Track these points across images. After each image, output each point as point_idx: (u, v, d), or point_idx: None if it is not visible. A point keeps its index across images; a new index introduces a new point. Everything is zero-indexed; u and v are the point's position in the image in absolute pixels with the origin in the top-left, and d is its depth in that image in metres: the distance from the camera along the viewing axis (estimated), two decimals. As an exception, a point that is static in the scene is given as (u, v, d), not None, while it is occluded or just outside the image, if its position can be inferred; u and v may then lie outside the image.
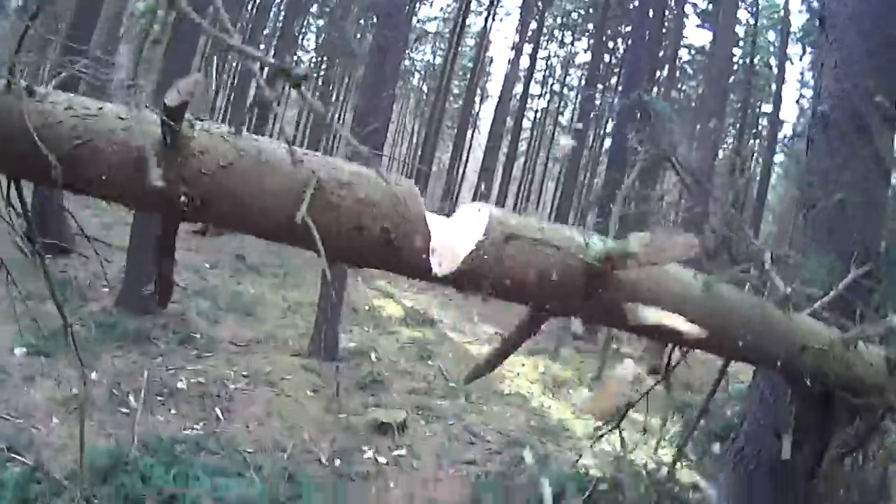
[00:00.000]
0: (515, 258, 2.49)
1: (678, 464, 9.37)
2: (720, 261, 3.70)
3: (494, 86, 57.25)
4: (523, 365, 16.73)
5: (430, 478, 9.93)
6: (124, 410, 10.25)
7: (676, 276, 3.03)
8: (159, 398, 10.88)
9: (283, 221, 2.16)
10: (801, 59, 39.55)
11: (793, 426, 4.54)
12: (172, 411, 10.63)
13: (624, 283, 2.70)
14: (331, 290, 13.74)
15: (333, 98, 50.89)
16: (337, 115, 47.85)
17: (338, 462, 9.85)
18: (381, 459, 10.24)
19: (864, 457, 5.67)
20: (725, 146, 38.60)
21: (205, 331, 14.23)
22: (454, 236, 2.40)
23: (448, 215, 2.55)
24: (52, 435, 8.93)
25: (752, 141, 41.82)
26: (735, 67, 37.36)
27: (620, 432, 6.03)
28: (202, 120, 2.22)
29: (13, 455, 7.83)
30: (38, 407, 9.65)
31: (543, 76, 55.14)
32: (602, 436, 5.75)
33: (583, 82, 47.25)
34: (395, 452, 10.56)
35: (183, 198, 2.13)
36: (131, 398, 10.54)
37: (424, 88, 61.03)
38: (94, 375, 10.92)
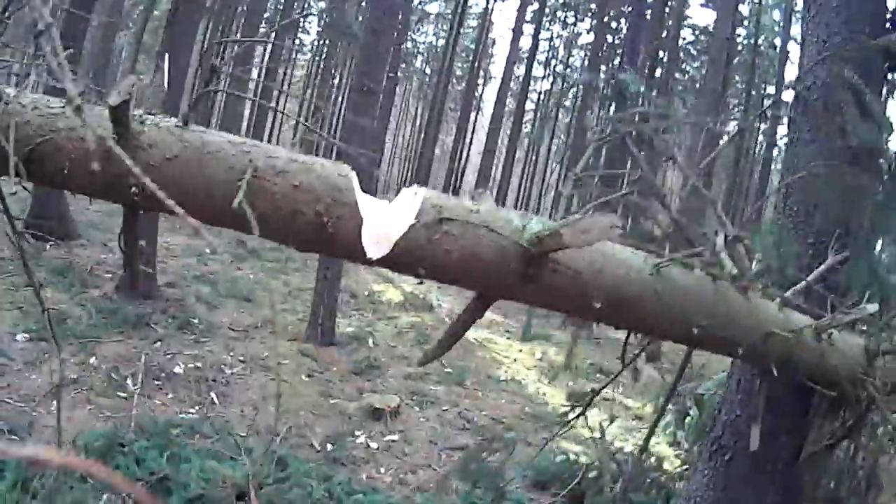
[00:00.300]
0: (449, 241, 2.56)
1: (677, 455, 9.59)
2: (675, 242, 3.71)
3: (497, 68, 57.31)
4: (520, 351, 16.87)
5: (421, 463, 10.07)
6: (122, 394, 10.39)
7: (623, 259, 3.06)
8: (157, 382, 11.02)
9: (225, 208, 2.30)
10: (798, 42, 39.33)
11: (764, 416, 4.56)
12: (169, 395, 10.77)
13: (564, 267, 2.78)
14: (327, 276, 13.90)
15: (336, 80, 50.86)
16: (340, 98, 47.81)
17: (330, 447, 9.96)
18: (373, 445, 10.38)
19: (854, 449, 5.75)
20: (729, 128, 38.45)
21: (203, 316, 14.37)
22: (389, 220, 2.50)
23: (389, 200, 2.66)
24: (51, 418, 9.04)
25: (756, 123, 41.69)
26: (739, 48, 37.29)
27: (601, 423, 6.09)
28: (153, 115, 2.37)
29: (13, 437, 8.00)
30: (39, 391, 9.69)
31: (546, 57, 55.06)
32: (569, 422, 5.77)
33: (586, 63, 47.30)
34: (388, 438, 10.69)
35: (133, 188, 2.28)
36: (129, 382, 10.69)
37: (427, 71, 61.02)
38: (93, 360, 11.16)
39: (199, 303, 15.17)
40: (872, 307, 4.19)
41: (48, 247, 16.06)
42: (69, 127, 2.31)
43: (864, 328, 4.51)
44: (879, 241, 4.66)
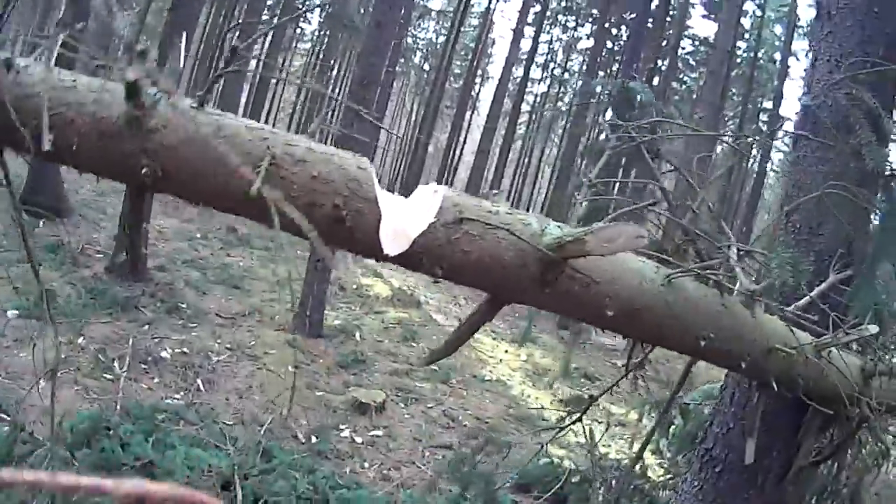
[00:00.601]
0: (468, 242, 2.51)
1: (660, 464, 9.57)
2: (686, 255, 3.67)
3: (496, 68, 57.22)
4: (506, 352, 16.84)
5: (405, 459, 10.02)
6: (109, 376, 10.35)
7: (636, 269, 3.03)
8: (143, 366, 10.98)
9: (239, 195, 2.22)
10: (806, 56, 39.34)
11: (758, 430, 4.53)
12: (155, 380, 10.73)
13: (581, 274, 2.73)
14: (318, 267, 13.83)
15: (335, 71, 50.77)
16: (338, 90, 47.70)
17: (314, 439, 9.92)
18: (358, 439, 10.33)
19: (838, 467, 5.73)
20: (724, 139, 38.47)
21: (192, 301, 14.30)
22: (407, 217, 2.43)
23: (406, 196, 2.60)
24: (39, 397, 8.98)
25: (749, 138, 41.71)
26: (739, 61, 37.30)
27: (590, 428, 6.03)
28: (170, 94, 2.29)
29: (1, 415, 7.92)
30: (28, 369, 9.49)
31: (545, 60, 54.96)
32: (565, 427, 5.72)
33: (584, 68, 47.20)
34: (372, 433, 10.65)
35: (145, 169, 2.20)
36: (116, 365, 10.65)
37: (426, 67, 60.90)
38: (81, 340, 11.13)
39: (188, 288, 15.10)
40: (873, 328, 4.17)
41: (41, 223, 15.98)
42: (79, 102, 2.23)
43: (861, 349, 4.49)
44: (882, 264, 4.64)
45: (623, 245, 2.45)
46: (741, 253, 3.80)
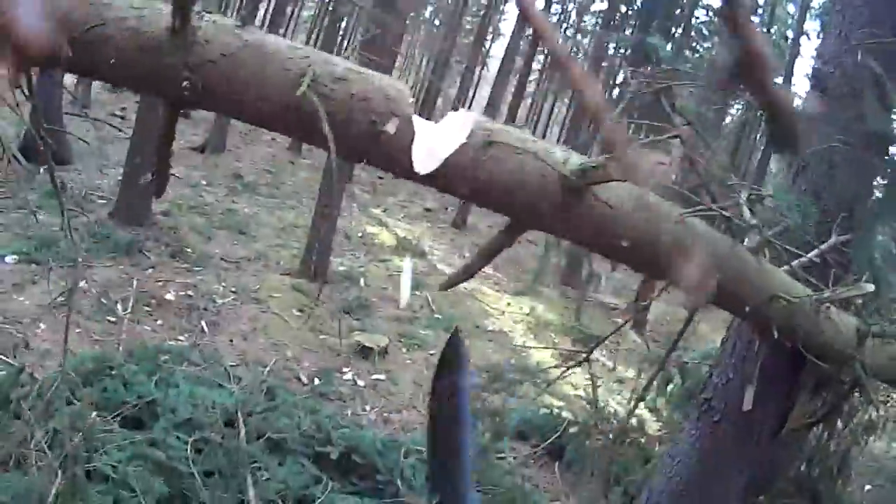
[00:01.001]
0: (495, 164, 2.61)
1: (656, 420, 9.69)
2: (699, 198, 3.74)
3: (507, 25, 56.81)
4: (509, 305, 16.91)
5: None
6: (112, 319, 10.44)
7: (652, 203, 3.12)
8: (147, 308, 11.06)
9: (279, 106, 2.35)
10: (818, 36, 38.93)
11: (757, 378, 4.62)
12: (159, 322, 10.83)
13: (600, 202, 2.82)
14: (324, 214, 13.92)
15: (343, 23, 50.45)
16: (345, 42, 47.44)
17: (317, 381, 10.08)
18: (360, 382, 10.48)
19: (829, 435, 5.84)
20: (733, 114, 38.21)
21: (197, 246, 14.38)
22: (439, 138, 2.53)
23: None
24: (38, 340, 9.13)
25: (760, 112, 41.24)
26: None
27: (592, 376, 6.12)
28: (211, 13, 2.38)
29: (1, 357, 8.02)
30: (27, 313, 9.81)
31: (558, 20, 54.55)
32: (564, 374, 5.81)
33: (597, 28, 46.83)
34: (374, 376, 10.80)
35: (186, 82, 2.30)
36: (119, 307, 10.73)
37: (436, 22, 60.53)
38: (84, 284, 11.11)
39: (192, 233, 15.14)
40: (870, 287, 4.25)
41: (42, 171, 15.97)
42: (119, 17, 2.31)
43: (857, 311, 4.57)
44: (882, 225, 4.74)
45: (645, 172, 2.54)
46: (752, 197, 3.88)
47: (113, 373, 7.62)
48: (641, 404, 9.91)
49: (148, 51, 2.28)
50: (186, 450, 6.44)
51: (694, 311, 4.93)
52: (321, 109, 2.29)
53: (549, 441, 9.31)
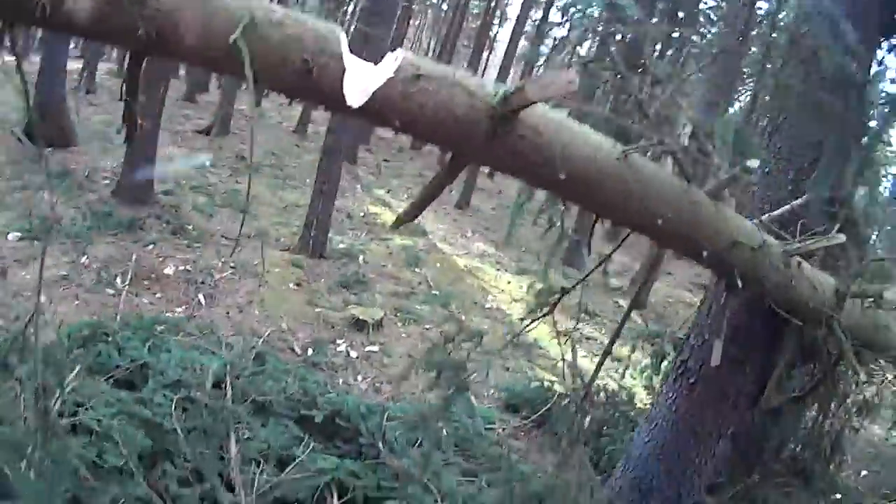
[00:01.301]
0: (423, 96, 2.77)
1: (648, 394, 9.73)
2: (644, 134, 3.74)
3: (514, 9, 56.58)
4: (508, 283, 16.95)
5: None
6: (110, 291, 10.62)
7: (591, 139, 3.19)
8: (145, 282, 11.21)
9: (221, 49, 2.55)
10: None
11: (730, 342, 4.62)
12: (157, 295, 10.97)
13: (531, 132, 2.93)
14: (323, 189, 14.02)
15: (350, 7, 50.32)
16: (351, 25, 47.20)
17: (310, 352, 10.19)
18: (353, 354, 10.59)
19: (823, 415, 5.86)
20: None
21: (198, 223, 14.54)
22: (370, 74, 2.70)
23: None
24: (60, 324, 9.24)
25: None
26: (759, 20, 36.81)
27: (570, 338, 6.18)
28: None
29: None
30: (28, 287, 9.99)
31: (565, 4, 54.17)
32: (537, 319, 5.90)
33: (603, 14, 46.58)
34: (368, 348, 10.90)
35: (141, 31, 2.47)
36: (118, 280, 10.92)
37: (444, 7, 60.38)
38: (84, 259, 11.39)
39: (194, 211, 15.33)
40: (841, 237, 4.28)
41: (47, 152, 16.10)
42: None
43: (835, 271, 4.60)
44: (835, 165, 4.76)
45: (557, 90, 2.67)
46: (695, 130, 3.90)
47: (108, 339, 7.76)
48: (637, 381, 10.05)
49: (110, 4, 2.46)
50: (171, 408, 6.55)
51: (660, 256, 4.98)
52: (245, 51, 2.45)
53: (538, 413, 9.39)
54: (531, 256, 19.32)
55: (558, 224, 5.22)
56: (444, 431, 7.70)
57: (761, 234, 4.00)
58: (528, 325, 5.85)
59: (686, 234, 3.67)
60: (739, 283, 3.95)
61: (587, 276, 5.67)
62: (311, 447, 6.77)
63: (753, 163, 3.75)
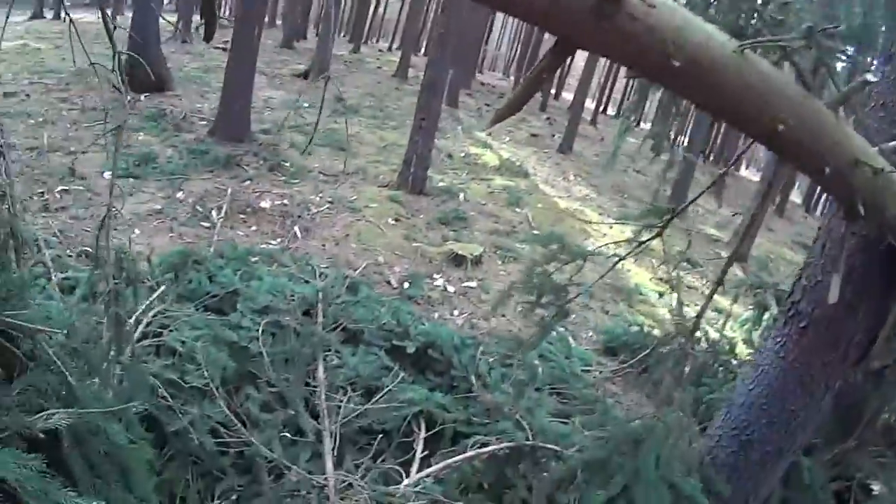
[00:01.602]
0: None
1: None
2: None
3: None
4: (611, 228, 16.40)
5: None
6: (205, 225, 10.52)
7: (706, 28, 2.77)
8: (241, 216, 11.10)
9: None
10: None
11: (846, 286, 4.16)
12: (253, 228, 10.84)
13: (641, 13, 2.50)
14: (422, 125, 13.66)
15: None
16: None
17: (406, 285, 9.86)
18: (450, 289, 10.23)
19: None
20: None
21: (296, 161, 14.37)
22: None
23: None
24: (130, 244, 9.09)
25: None
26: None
27: (676, 284, 5.75)
28: None
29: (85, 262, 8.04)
30: (123, 221, 9.91)
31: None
32: (643, 244, 5.43)
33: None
34: (465, 284, 10.52)
35: None
36: (213, 214, 10.80)
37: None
38: (179, 195, 11.33)
39: (292, 149, 15.17)
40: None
41: (143, 97, 16.19)
42: None
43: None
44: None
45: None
46: (818, 29, 3.37)
47: (199, 266, 7.58)
48: (737, 334, 9.51)
49: None
50: (258, 332, 6.29)
51: (766, 197, 4.49)
52: None
53: (637, 358, 8.91)
54: (634, 203, 18.92)
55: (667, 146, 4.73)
56: (540, 370, 7.30)
57: (881, 158, 3.47)
58: (637, 247, 5.34)
59: (809, 144, 3.19)
60: (861, 210, 3.44)
61: (698, 196, 5.17)
62: (400, 378, 6.45)
63: (873, 76, 3.23)
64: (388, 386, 6.25)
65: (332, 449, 5.47)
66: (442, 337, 7.11)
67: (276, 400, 5.80)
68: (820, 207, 36.42)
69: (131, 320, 5.53)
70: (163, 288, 6.65)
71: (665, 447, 4.61)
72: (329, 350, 6.58)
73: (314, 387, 6.02)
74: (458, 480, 5.59)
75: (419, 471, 5.50)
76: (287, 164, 13.93)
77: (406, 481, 5.24)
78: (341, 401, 5.94)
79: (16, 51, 19.25)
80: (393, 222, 12.14)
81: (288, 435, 5.53)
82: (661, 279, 12.94)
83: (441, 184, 15.11)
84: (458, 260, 11.05)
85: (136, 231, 9.91)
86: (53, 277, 6.84)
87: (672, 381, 4.99)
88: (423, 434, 5.95)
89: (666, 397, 4.92)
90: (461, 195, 14.74)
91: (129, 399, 4.04)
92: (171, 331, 5.96)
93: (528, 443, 5.66)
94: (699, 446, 5.67)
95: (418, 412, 6.06)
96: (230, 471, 5.23)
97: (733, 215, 20.45)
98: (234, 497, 5.15)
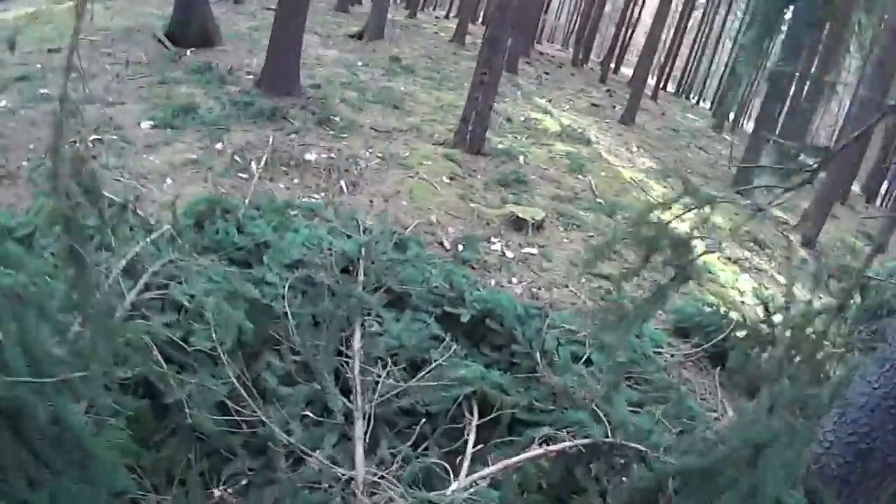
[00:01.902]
0: None
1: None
2: None
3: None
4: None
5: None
6: (243, 175, 9.67)
7: None
8: (284, 168, 10.22)
9: None
10: None
11: None
12: (295, 181, 9.94)
13: None
14: (483, 80, 12.51)
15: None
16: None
17: (460, 248, 8.81)
18: (509, 254, 9.17)
19: None
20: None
21: (346, 116, 13.38)
22: None
23: None
24: (161, 193, 8.59)
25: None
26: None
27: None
28: None
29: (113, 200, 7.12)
30: (155, 170, 9.40)
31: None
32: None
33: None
34: (526, 250, 9.45)
35: None
36: (253, 165, 9.93)
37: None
38: (219, 145, 10.52)
39: (343, 104, 14.18)
40: None
41: (189, 52, 15.45)
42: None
43: None
44: None
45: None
46: None
47: (228, 215, 6.56)
48: (818, 322, 8.38)
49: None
50: (285, 289, 5.22)
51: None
52: None
53: (712, 342, 7.68)
54: (698, 179, 17.71)
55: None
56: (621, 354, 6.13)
57: None
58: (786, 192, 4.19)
59: None
60: None
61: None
62: (452, 350, 5.31)
63: None
64: (436, 360, 5.13)
65: (365, 433, 4.39)
66: (503, 305, 5.96)
67: (300, 371, 4.75)
68: (879, 198, 35.21)
69: (120, 266, 4.53)
70: (165, 231, 5.63)
71: (789, 459, 3.54)
72: (368, 314, 5.48)
73: (347, 357, 4.94)
74: (517, 481, 4.49)
75: (470, 467, 4.38)
76: (336, 119, 12.90)
77: (454, 486, 4.09)
78: (379, 376, 4.83)
79: (67, 12, 18.51)
80: (448, 181, 11.06)
81: (311, 414, 4.44)
82: (728, 259, 11.81)
83: (500, 146, 13.93)
84: (518, 224, 9.94)
85: (168, 181, 9.09)
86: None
87: (766, 380, 4.04)
88: (475, 420, 4.84)
89: (768, 399, 3.81)
90: (521, 158, 13.55)
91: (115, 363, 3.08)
92: (178, 283, 4.92)
93: (606, 440, 4.53)
94: (810, 454, 4.78)
95: (471, 393, 4.93)
96: (241, 452, 4.21)
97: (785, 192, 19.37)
98: (243, 482, 4.14)
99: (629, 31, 46.01)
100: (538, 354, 5.55)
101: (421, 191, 10.31)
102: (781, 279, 11.80)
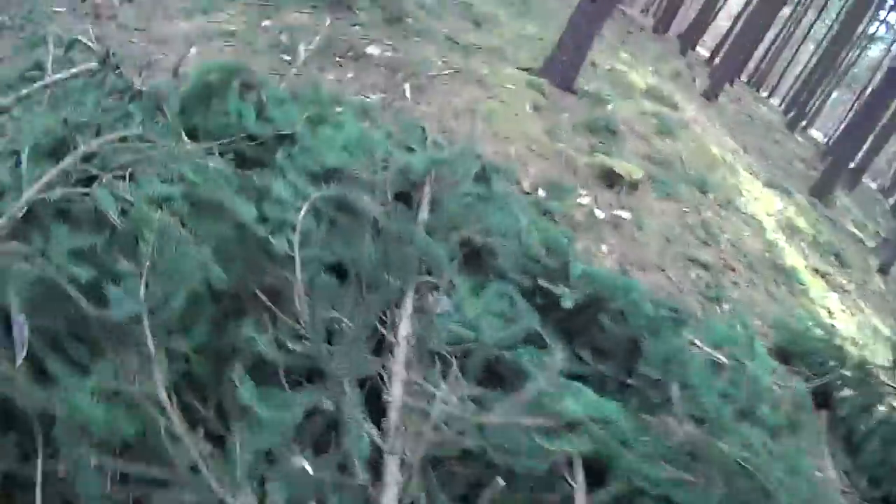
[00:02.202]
0: None
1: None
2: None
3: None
4: (761, 192, 13.40)
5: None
6: (286, 57, 7.78)
7: None
8: (339, 59, 8.25)
9: None
10: None
11: None
12: (350, 75, 7.96)
13: None
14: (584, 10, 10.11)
15: None
16: None
17: (542, 193, 6.84)
18: (599, 214, 7.11)
19: None
20: None
21: (422, 19, 11.16)
22: None
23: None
24: (174, 59, 6.47)
25: None
26: None
27: None
28: None
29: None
30: (182, 38, 7.99)
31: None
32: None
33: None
34: (617, 212, 7.39)
35: None
36: (301, 49, 7.79)
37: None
38: (266, 23, 8.85)
39: (419, 8, 11.83)
40: None
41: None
42: None
43: None
44: None
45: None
46: None
47: (247, 93, 4.24)
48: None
49: None
50: (300, 213, 2.97)
51: None
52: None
53: (823, 379, 5.39)
54: (780, 172, 16.51)
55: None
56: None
57: None
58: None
59: None
60: None
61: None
62: (558, 360, 3.03)
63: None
64: (532, 375, 2.88)
65: (399, 491, 2.23)
66: (627, 295, 3.65)
67: (299, 365, 2.51)
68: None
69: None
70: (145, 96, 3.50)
71: None
72: (430, 272, 3.22)
73: (381, 336, 2.71)
74: None
75: None
76: (410, 21, 10.70)
77: None
78: (435, 387, 2.60)
79: None
80: (531, 111, 8.86)
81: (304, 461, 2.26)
82: (816, 270, 10.05)
83: (587, 87, 11.66)
84: (610, 178, 7.79)
85: (193, 49, 7.10)
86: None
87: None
88: (582, 486, 2.66)
89: None
90: (610, 106, 11.28)
91: None
92: (122, 177, 2.75)
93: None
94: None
95: (575, 439, 2.73)
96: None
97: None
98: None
99: (714, 13, 43.56)
100: (675, 389, 3.30)
101: (500, 116, 8.13)
102: (862, 304, 10.02)
